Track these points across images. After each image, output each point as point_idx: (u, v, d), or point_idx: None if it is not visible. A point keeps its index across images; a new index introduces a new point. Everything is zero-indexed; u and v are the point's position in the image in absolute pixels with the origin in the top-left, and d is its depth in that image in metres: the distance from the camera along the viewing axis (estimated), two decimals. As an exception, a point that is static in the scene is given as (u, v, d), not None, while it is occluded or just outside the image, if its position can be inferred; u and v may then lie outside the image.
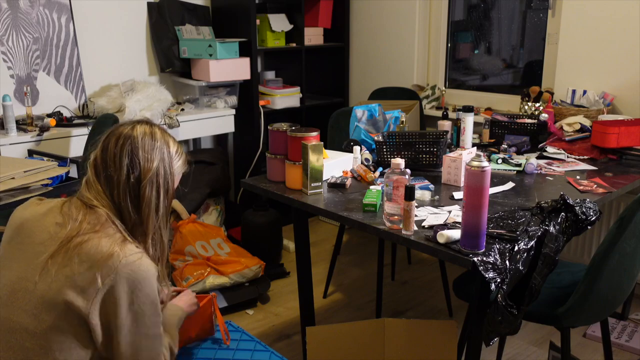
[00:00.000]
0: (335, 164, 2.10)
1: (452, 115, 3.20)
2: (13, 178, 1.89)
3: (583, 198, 1.67)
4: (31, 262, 1.22)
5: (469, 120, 2.43)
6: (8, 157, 2.36)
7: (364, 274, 3.20)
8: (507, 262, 1.45)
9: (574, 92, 2.81)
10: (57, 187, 2.02)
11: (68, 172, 2.08)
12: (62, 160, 2.09)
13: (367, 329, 1.92)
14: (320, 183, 1.92)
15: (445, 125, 2.50)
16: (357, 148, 2.19)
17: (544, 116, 2.54)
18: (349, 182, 2.01)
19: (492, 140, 2.55)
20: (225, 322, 1.82)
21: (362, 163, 2.19)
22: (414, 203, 1.55)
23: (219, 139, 3.85)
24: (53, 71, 3.12)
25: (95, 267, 1.17)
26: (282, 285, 3.07)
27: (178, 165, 1.38)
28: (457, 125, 2.50)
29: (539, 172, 2.17)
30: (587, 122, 2.57)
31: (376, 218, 1.70)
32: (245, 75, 3.42)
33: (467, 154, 2.03)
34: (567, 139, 2.49)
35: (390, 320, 1.91)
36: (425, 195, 1.88)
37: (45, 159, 2.16)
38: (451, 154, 2.03)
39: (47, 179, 1.97)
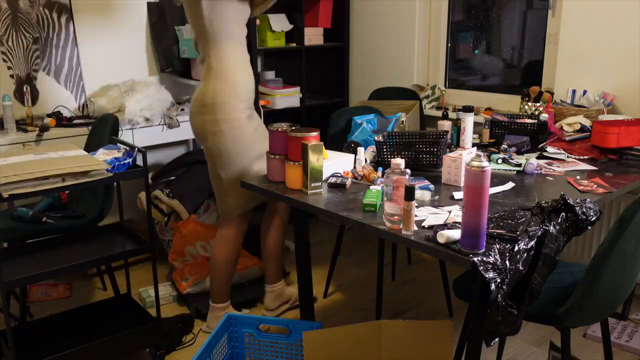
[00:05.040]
0: (335, 164, 2.10)
1: (452, 115, 3.20)
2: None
3: (583, 198, 1.67)
4: None
5: (469, 120, 2.43)
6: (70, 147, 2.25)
7: (364, 274, 3.20)
8: (507, 262, 1.45)
9: (574, 92, 2.81)
10: (122, 174, 2.06)
11: (134, 160, 2.12)
12: (130, 150, 2.13)
13: (363, 331, 1.92)
14: (320, 183, 1.92)
15: (445, 125, 2.50)
16: (361, 149, 2.18)
17: (544, 116, 2.54)
18: (349, 182, 2.01)
19: (492, 140, 2.55)
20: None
21: (364, 163, 2.19)
22: (414, 203, 1.54)
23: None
24: (53, 71, 3.12)
25: None
26: (282, 285, 3.06)
27: None
28: (457, 125, 2.50)
29: (539, 172, 2.17)
30: (587, 122, 2.56)
31: (376, 218, 1.70)
32: (245, 75, 3.42)
33: (467, 154, 2.03)
34: (567, 139, 2.49)
35: (386, 322, 1.91)
36: (425, 195, 1.87)
37: (120, 146, 2.19)
38: (451, 154, 2.03)
39: (107, 162, 2.01)
